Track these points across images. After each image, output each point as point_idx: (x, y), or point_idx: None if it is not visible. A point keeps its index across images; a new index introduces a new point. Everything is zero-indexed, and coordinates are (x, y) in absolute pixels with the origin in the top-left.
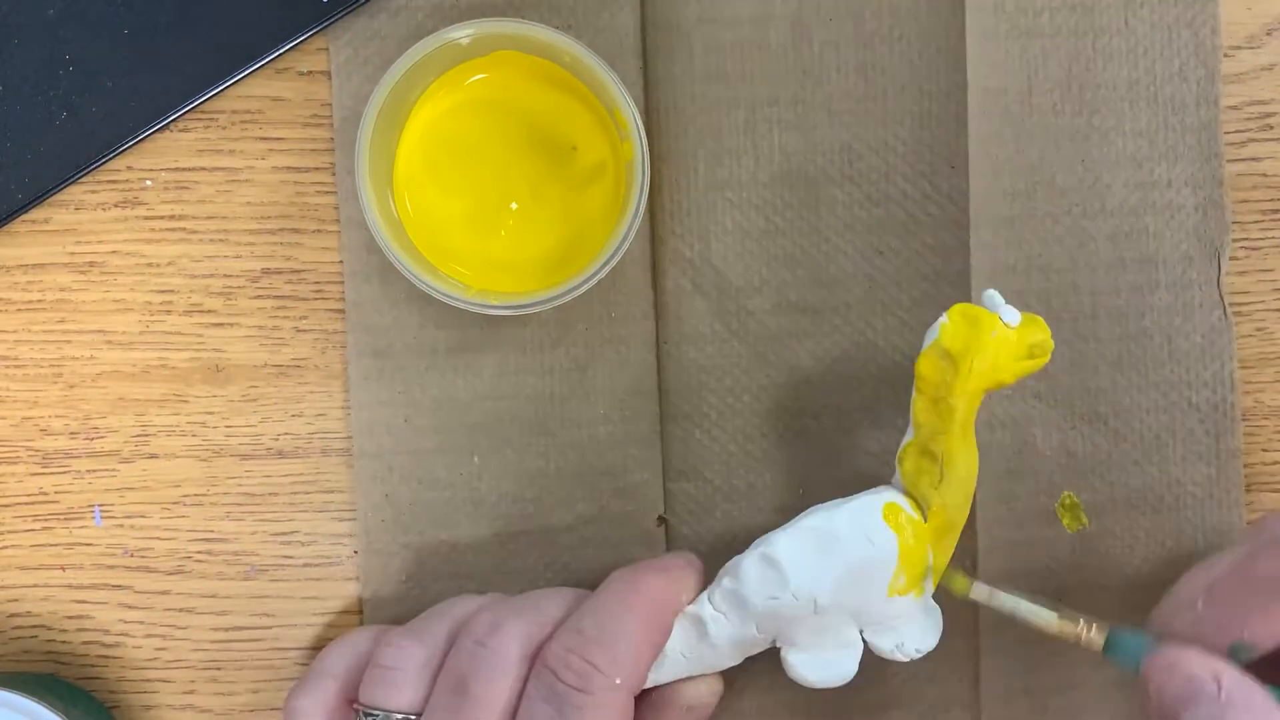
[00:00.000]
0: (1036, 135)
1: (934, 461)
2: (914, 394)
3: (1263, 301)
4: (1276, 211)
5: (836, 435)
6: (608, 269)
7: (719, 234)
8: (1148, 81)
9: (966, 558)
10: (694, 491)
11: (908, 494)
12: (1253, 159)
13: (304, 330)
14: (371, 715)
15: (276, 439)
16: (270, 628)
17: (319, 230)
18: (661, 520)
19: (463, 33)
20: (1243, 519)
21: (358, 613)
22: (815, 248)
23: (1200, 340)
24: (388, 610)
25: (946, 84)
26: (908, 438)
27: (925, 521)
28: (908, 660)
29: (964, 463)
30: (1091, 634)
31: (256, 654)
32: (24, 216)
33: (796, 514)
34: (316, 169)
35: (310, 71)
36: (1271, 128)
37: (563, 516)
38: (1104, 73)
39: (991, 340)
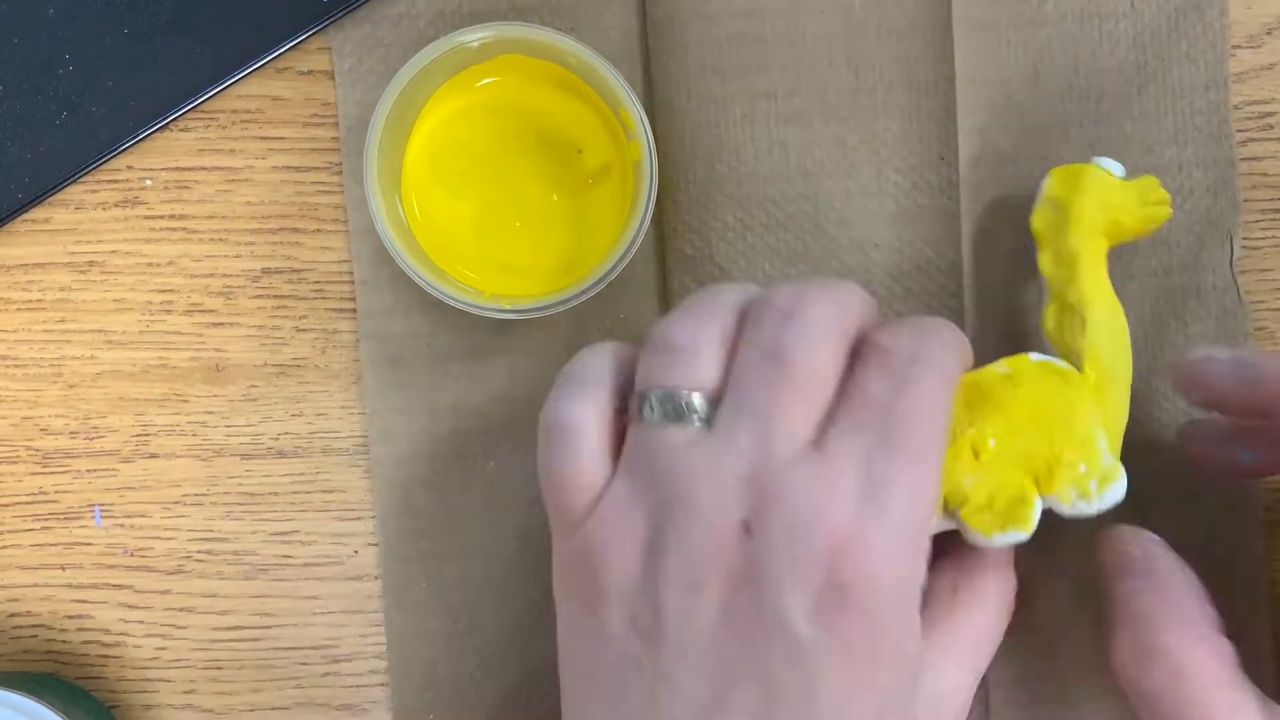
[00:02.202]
0: (1045, 122)
1: (1073, 312)
2: (1037, 253)
3: (1263, 301)
4: (1277, 211)
5: None
6: (618, 270)
7: (720, 231)
8: (1155, 65)
9: None
10: None
11: (1059, 356)
12: (1253, 159)
13: (304, 330)
14: (665, 400)
15: (276, 439)
16: (270, 628)
17: (319, 230)
18: None
19: (469, 37)
20: (1258, 503)
21: (358, 612)
22: (816, 242)
23: (1214, 324)
24: (409, 618)
25: (934, 76)
26: (1044, 302)
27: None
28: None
29: (1104, 306)
30: None
31: (256, 654)
32: (24, 216)
33: None
34: (317, 168)
35: (310, 71)
36: (1272, 127)
37: None
38: (1110, 58)
39: (1095, 182)
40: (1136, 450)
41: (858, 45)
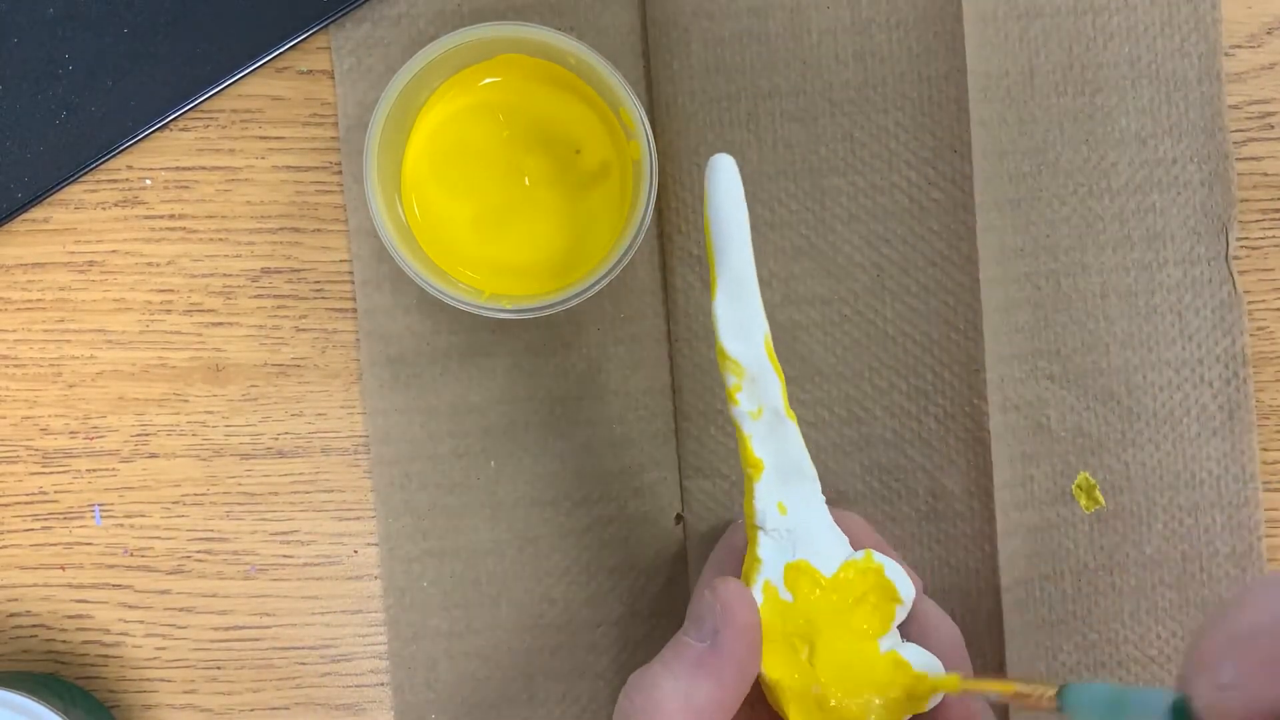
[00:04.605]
0: (1040, 117)
1: None
2: None
3: (1263, 301)
4: (1277, 211)
5: (850, 425)
6: (619, 269)
7: None
8: (1149, 59)
9: (985, 543)
10: (711, 488)
11: None
12: (1253, 158)
13: (304, 330)
14: None
15: (276, 438)
16: (270, 627)
17: (319, 230)
18: (679, 518)
19: (467, 37)
20: (1258, 493)
21: (357, 612)
22: (821, 238)
23: (1211, 316)
24: (411, 617)
25: (945, 68)
26: None
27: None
28: None
29: None
30: (1046, 695)
31: (256, 654)
32: (24, 216)
33: None
34: (316, 168)
35: (310, 70)
36: (1272, 127)
37: (581, 518)
38: (1105, 51)
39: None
40: (1135, 446)
41: (865, 39)
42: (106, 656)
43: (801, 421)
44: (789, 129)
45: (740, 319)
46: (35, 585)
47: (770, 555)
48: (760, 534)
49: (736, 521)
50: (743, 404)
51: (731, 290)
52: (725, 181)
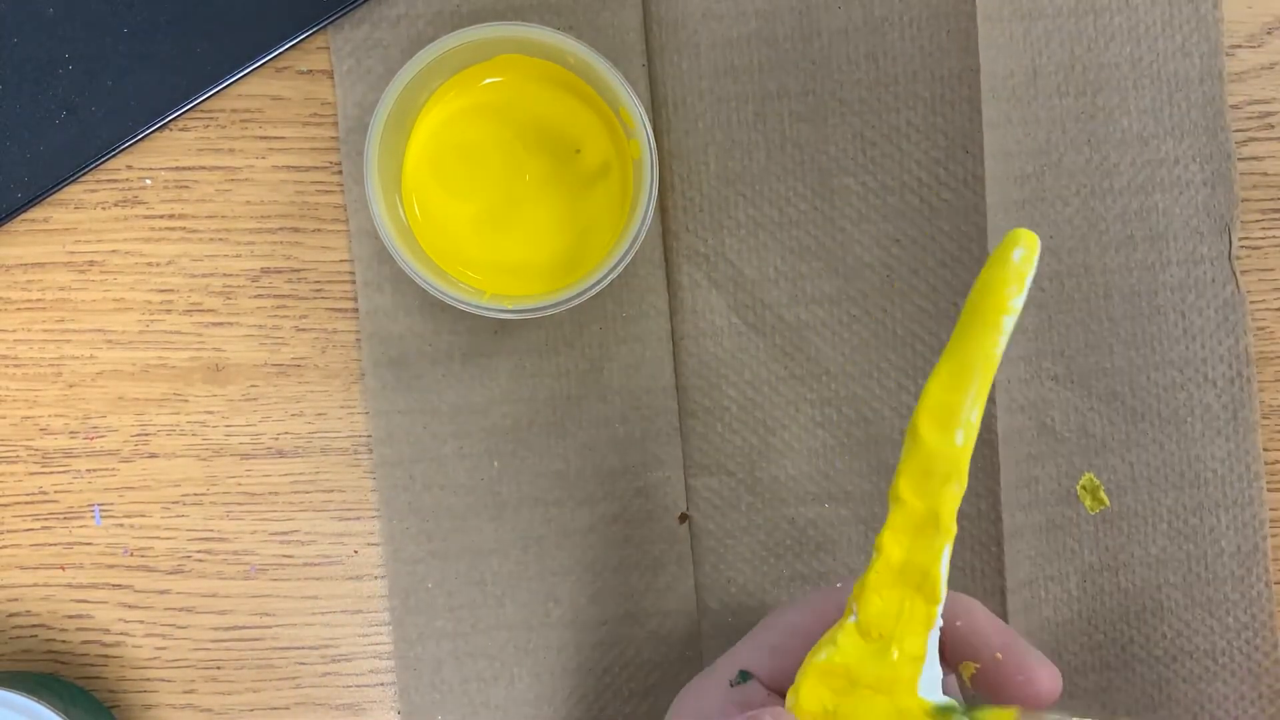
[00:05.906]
0: (1043, 118)
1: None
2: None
3: (1263, 301)
4: (1277, 211)
5: (858, 425)
6: (621, 268)
7: (732, 228)
8: (1151, 59)
9: (990, 544)
10: (717, 486)
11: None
12: (1253, 158)
13: (304, 330)
14: None
15: (276, 438)
16: (270, 627)
17: (319, 229)
18: (684, 517)
19: (467, 38)
20: (1263, 492)
21: (357, 612)
22: (830, 238)
23: (1214, 315)
24: (416, 618)
25: (958, 68)
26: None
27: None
28: None
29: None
30: None
31: (256, 654)
32: (24, 216)
33: (821, 503)
34: (316, 168)
35: (310, 70)
36: (1272, 127)
37: (585, 518)
38: (1106, 52)
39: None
40: (1140, 447)
41: (878, 37)
42: (106, 656)
43: (808, 420)
44: (798, 129)
45: (952, 408)
46: (35, 585)
47: (850, 649)
48: (852, 623)
49: (807, 597)
50: (903, 489)
51: (958, 374)
52: (1017, 259)
